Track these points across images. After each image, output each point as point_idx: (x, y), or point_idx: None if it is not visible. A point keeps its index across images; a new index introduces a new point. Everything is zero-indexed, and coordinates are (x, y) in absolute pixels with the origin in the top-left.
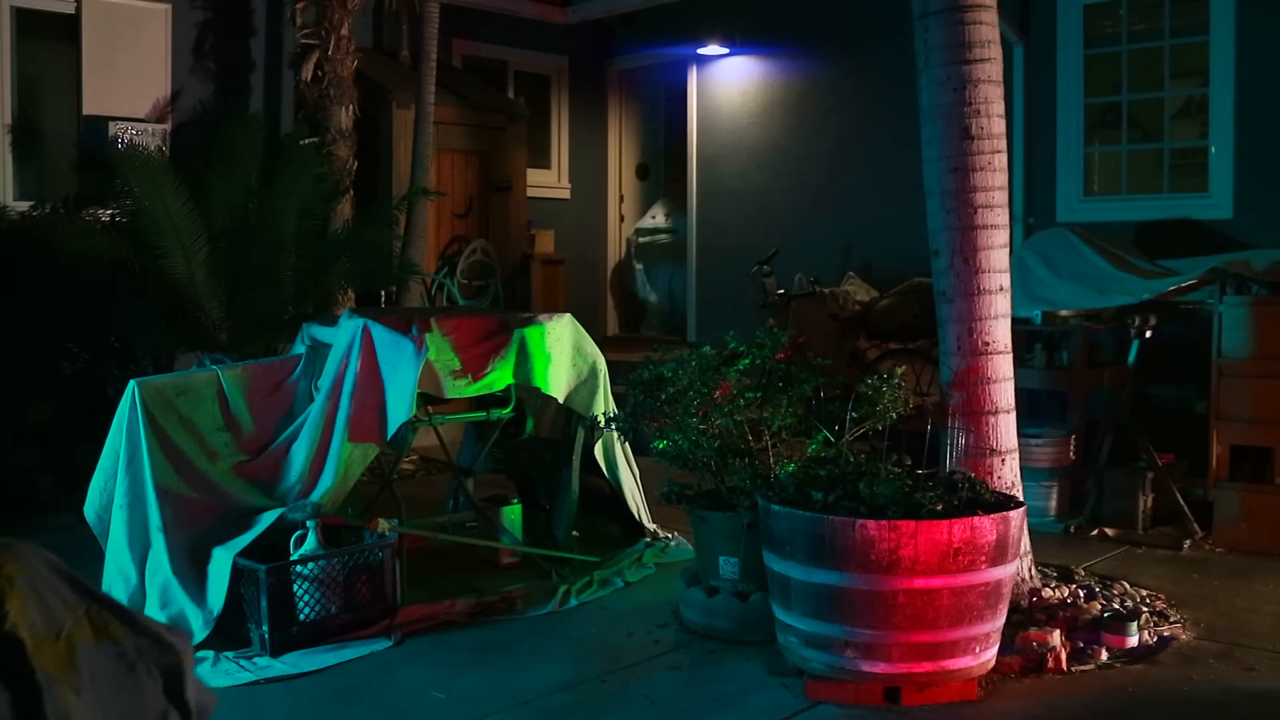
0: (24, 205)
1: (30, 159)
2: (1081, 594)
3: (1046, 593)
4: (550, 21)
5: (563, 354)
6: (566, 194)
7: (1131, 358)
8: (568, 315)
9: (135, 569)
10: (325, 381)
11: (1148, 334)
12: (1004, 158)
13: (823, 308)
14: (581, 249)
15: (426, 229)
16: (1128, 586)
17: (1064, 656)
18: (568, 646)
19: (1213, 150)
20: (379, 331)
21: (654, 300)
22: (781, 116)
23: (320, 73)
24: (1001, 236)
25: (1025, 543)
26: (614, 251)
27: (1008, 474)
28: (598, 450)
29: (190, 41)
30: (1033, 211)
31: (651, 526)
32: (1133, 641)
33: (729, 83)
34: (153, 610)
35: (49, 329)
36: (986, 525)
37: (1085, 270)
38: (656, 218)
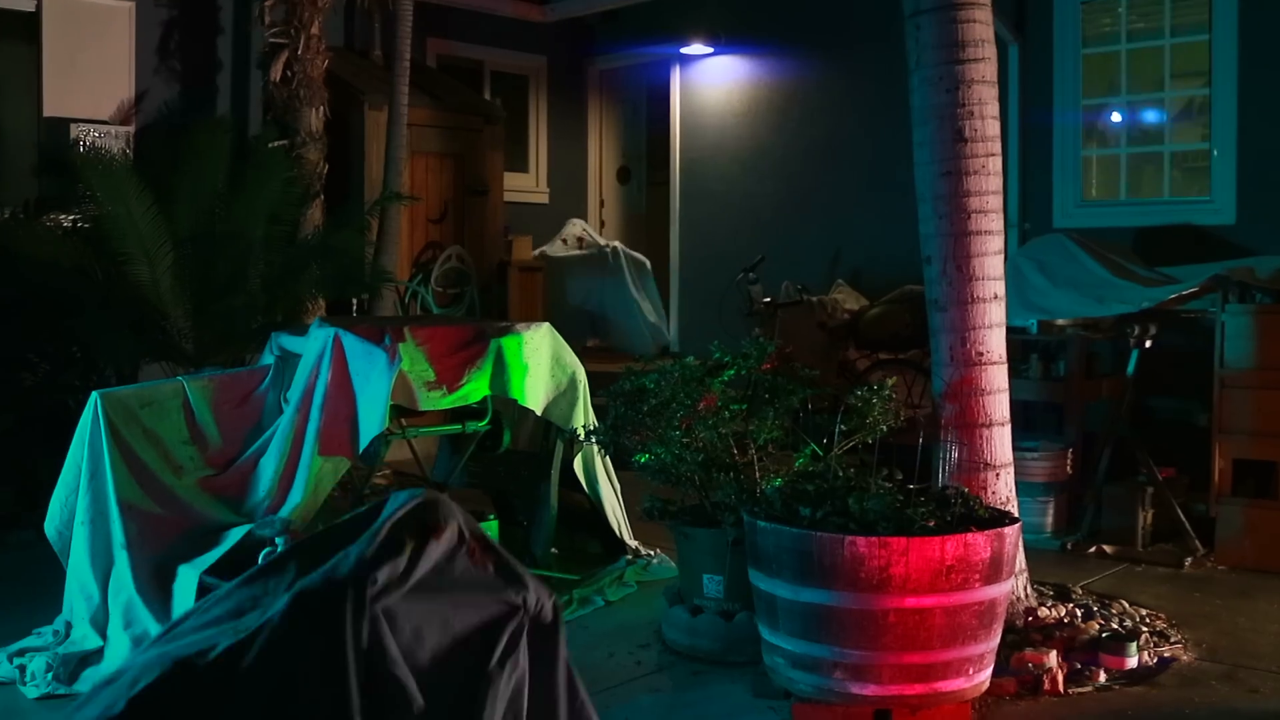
0: None
1: None
2: (1079, 613)
3: (1043, 612)
4: (528, 20)
5: (541, 364)
6: (545, 198)
7: (1131, 368)
8: (546, 324)
9: (98, 587)
10: (295, 393)
11: (1147, 344)
12: (998, 161)
13: (810, 316)
14: None
15: (400, 235)
16: (1127, 605)
17: (1061, 678)
18: None
19: (1215, 153)
20: (350, 341)
21: (576, 309)
22: (768, 117)
23: (290, 73)
24: (996, 243)
25: (1020, 560)
26: None
27: (1002, 489)
28: (577, 464)
29: (155, 41)
30: (1028, 217)
31: (633, 543)
32: (1132, 662)
33: (713, 83)
34: (115, 631)
35: (8, 338)
36: (980, 542)
37: (1083, 278)
38: (568, 241)
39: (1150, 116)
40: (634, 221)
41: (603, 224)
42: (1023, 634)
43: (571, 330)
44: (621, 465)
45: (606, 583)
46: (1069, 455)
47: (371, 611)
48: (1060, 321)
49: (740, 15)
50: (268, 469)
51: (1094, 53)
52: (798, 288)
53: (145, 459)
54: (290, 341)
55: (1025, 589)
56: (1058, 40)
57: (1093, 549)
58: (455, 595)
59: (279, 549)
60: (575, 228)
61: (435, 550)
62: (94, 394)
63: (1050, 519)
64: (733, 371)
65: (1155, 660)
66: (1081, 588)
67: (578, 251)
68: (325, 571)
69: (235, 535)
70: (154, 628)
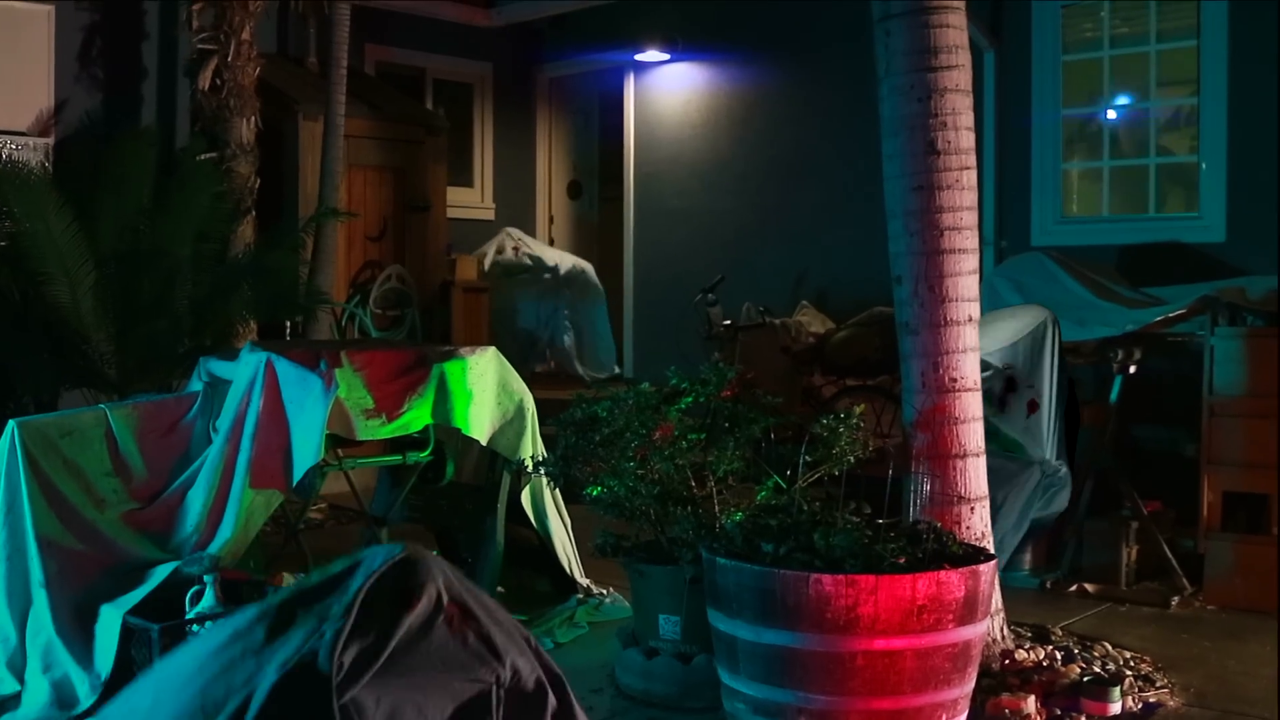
0: None
1: None
2: (1059, 656)
3: (1020, 654)
4: (472, 24)
5: (486, 391)
6: (491, 214)
7: (1114, 395)
8: (492, 349)
9: (15, 628)
10: (224, 422)
11: (1132, 369)
12: (973, 175)
13: (773, 340)
14: None
15: (336, 253)
16: (1110, 648)
17: None
18: None
19: (1204, 167)
20: (284, 366)
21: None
22: (728, 129)
23: (219, 81)
24: (970, 262)
25: (997, 599)
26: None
27: (977, 523)
28: (525, 497)
29: (76, 46)
30: (1005, 234)
31: (584, 581)
32: (1115, 708)
33: (670, 91)
34: (34, 674)
35: None
36: (954, 580)
37: (1063, 299)
38: (504, 253)
39: (1135, 127)
40: (586, 239)
41: (552, 241)
42: (999, 678)
43: (519, 354)
44: (572, 499)
45: (556, 623)
46: None
47: (340, 701)
48: None
49: (698, 19)
50: (195, 502)
51: (1075, 59)
52: (760, 309)
53: (65, 492)
54: (219, 367)
55: (1001, 630)
56: (1036, 46)
57: (1073, 588)
58: (426, 676)
59: (207, 587)
60: (509, 239)
61: (410, 620)
62: (11, 423)
63: (1028, 555)
64: (690, 399)
65: (1140, 706)
66: (1061, 629)
67: (513, 259)
68: (297, 658)
69: (161, 573)
70: (74, 671)
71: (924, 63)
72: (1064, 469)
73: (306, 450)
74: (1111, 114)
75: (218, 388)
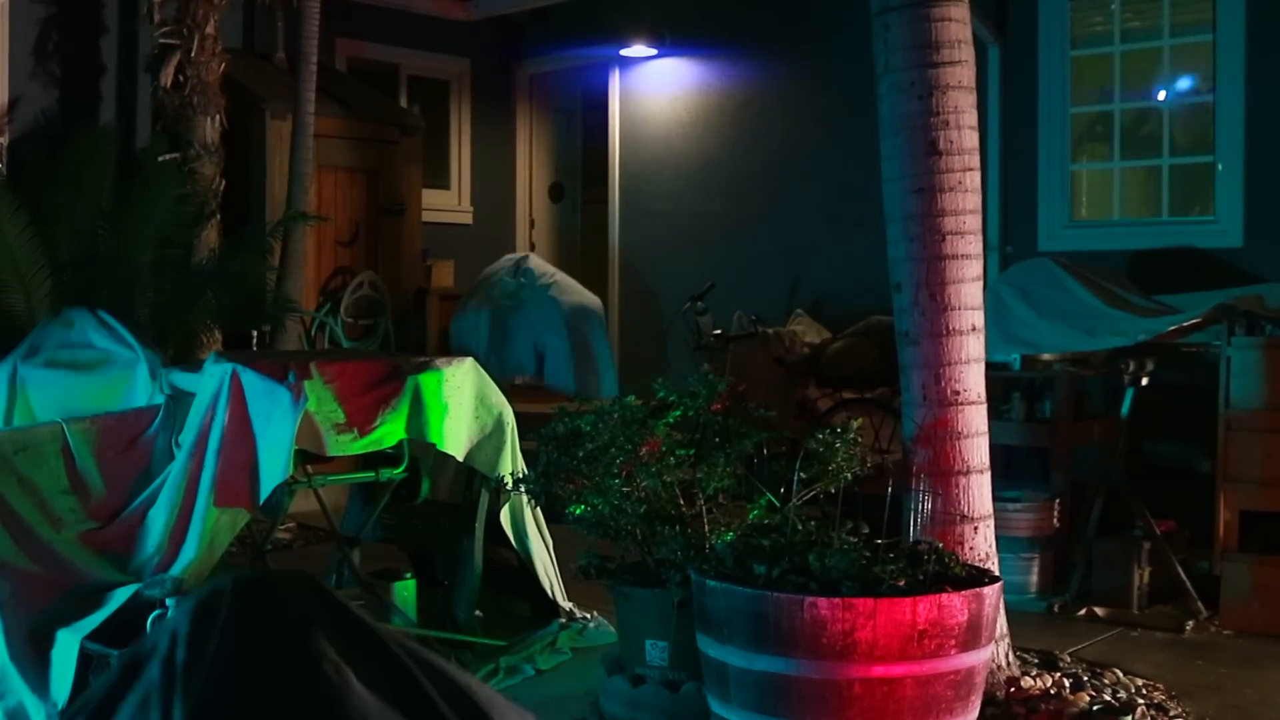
0: None
1: None
2: (1067, 683)
3: (1026, 682)
4: (449, 18)
5: (463, 404)
6: (469, 218)
7: (1125, 409)
8: (469, 360)
9: None
10: (188, 436)
11: (1144, 381)
12: (977, 176)
13: (766, 350)
14: None
15: (305, 259)
16: (1121, 675)
17: None
18: None
19: (1220, 167)
20: (250, 378)
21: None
22: (718, 128)
23: (182, 77)
24: (974, 268)
25: (1001, 624)
26: None
27: (981, 544)
28: (504, 516)
29: (31, 41)
30: (1010, 239)
31: (567, 605)
32: None
33: (657, 89)
34: None
35: None
36: (956, 604)
37: (1071, 307)
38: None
39: (1147, 126)
40: (568, 244)
41: (533, 246)
42: (1004, 707)
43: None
44: (554, 517)
45: (537, 649)
46: (1056, 506)
47: None
48: (1046, 356)
49: (687, 12)
50: (157, 522)
51: (1083, 54)
52: (751, 318)
53: (20, 510)
54: (183, 379)
55: (1007, 656)
56: (1043, 41)
57: (1082, 611)
58: None
59: (169, 611)
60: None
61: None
62: None
63: (1035, 578)
64: (679, 412)
65: None
66: (1070, 655)
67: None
68: None
69: (121, 596)
70: (29, 699)
71: (925, 58)
72: None
73: (274, 466)
74: (1122, 112)
75: (180, 401)
